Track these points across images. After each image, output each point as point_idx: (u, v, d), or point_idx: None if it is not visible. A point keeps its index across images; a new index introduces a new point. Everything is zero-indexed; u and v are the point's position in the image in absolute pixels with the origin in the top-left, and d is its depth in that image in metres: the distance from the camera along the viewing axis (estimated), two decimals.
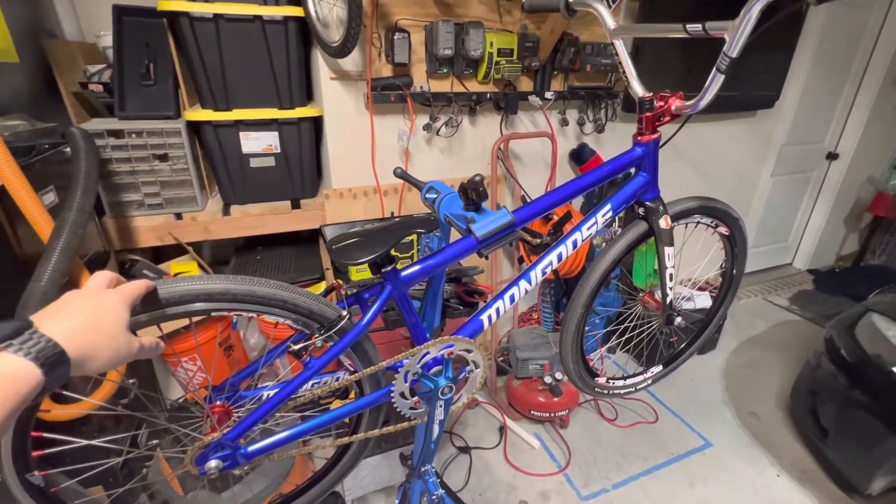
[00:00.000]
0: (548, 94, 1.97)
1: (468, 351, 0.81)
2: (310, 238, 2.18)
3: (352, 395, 1.14)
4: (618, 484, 1.90)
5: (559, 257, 0.84)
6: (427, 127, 1.89)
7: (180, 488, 1.34)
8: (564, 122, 2.13)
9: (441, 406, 0.82)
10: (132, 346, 0.49)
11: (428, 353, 0.77)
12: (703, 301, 2.49)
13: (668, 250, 0.92)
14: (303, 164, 1.88)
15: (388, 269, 0.70)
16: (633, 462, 2.00)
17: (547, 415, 2.08)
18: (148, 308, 0.59)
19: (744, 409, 2.30)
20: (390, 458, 1.70)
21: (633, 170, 0.90)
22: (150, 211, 1.72)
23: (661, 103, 0.79)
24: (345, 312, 0.68)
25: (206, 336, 1.64)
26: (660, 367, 1.19)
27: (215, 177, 1.86)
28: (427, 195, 0.94)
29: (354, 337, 0.69)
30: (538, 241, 1.92)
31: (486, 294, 1.24)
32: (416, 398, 0.81)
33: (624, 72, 0.85)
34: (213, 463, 0.66)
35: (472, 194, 0.71)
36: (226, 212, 1.83)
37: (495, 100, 1.94)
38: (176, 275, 1.75)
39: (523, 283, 0.84)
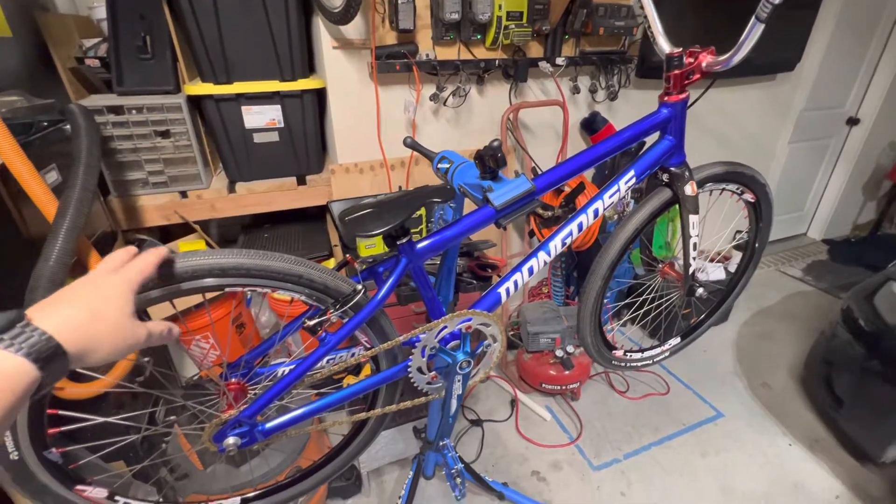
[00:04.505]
0: (559, 60, 1.89)
1: (486, 325, 0.79)
2: (316, 215, 2.16)
3: (366, 370, 1.13)
4: (629, 454, 1.92)
5: (579, 227, 0.81)
6: (434, 97, 1.83)
7: (199, 462, 1.36)
8: (576, 90, 2.05)
9: (459, 381, 0.81)
10: (138, 335, 0.46)
11: (445, 327, 0.75)
12: (717, 273, 2.46)
13: (692, 218, 0.88)
14: (307, 139, 1.84)
15: (404, 241, 0.67)
16: (645, 433, 2.01)
17: (558, 388, 2.09)
18: (164, 283, 0.56)
19: (756, 380, 2.29)
20: (404, 431, 1.71)
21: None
22: (155, 189, 1.70)
23: (691, 59, 0.74)
24: (360, 287, 0.66)
25: (220, 313, 1.64)
26: (678, 340, 1.17)
27: (219, 153, 1.82)
28: (439, 165, 0.91)
29: (370, 312, 0.67)
30: (549, 213, 1.88)
31: (500, 267, 1.22)
32: (433, 373, 0.79)
33: (649, 27, 0.79)
34: (230, 440, 0.65)
35: (490, 162, 0.67)
36: (231, 189, 1.80)
37: (504, 67, 1.86)
38: None
39: (542, 255, 0.81)
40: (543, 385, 2.09)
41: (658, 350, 1.15)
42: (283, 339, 0.71)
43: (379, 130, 1.85)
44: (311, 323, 0.64)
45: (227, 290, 0.59)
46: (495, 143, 0.66)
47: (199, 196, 1.76)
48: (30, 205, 1.10)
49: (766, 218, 1.04)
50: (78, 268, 1.24)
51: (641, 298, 1.14)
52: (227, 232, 2.24)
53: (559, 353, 2.03)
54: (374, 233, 0.61)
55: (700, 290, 0.97)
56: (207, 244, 1.69)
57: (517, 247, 2.35)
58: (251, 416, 0.66)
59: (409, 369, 0.76)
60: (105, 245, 1.49)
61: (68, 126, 1.34)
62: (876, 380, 1.68)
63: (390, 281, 0.67)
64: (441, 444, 1.02)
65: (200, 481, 1.35)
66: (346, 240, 1.68)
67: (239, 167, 1.80)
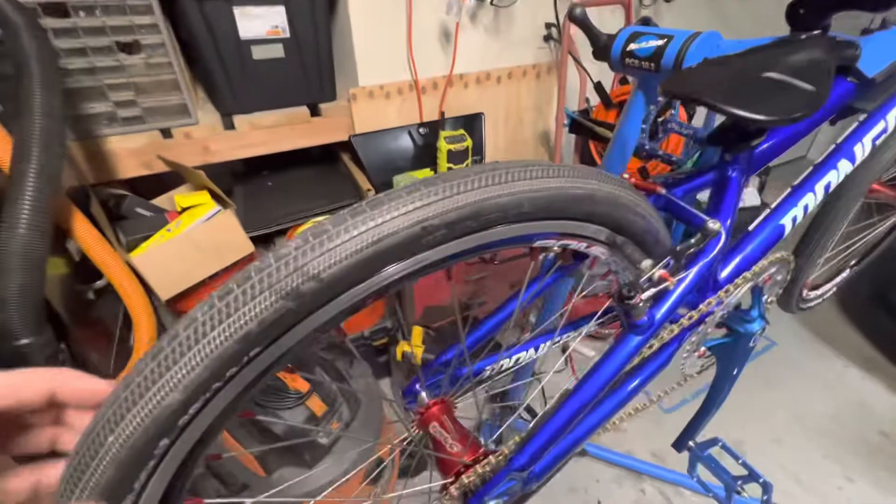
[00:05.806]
0: None
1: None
2: (321, 157, 1.77)
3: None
4: (698, 392, 1.83)
5: None
6: None
7: (261, 468, 1.09)
8: None
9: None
10: None
11: (750, 283, 0.48)
12: (752, 199, 2.36)
13: None
14: (319, 55, 1.43)
15: (754, 143, 0.37)
16: (708, 370, 1.92)
17: (613, 332, 1.94)
18: None
19: None
20: None
21: None
22: (127, 127, 1.26)
23: None
24: (714, 224, 0.37)
25: None
26: (846, 272, 0.99)
27: (204, 78, 1.40)
28: (634, 45, 0.60)
29: (710, 266, 0.39)
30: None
31: None
32: (701, 349, 0.55)
33: None
34: None
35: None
36: (227, 124, 1.39)
37: None
38: (187, 208, 1.32)
39: (843, 164, 0.54)
40: (597, 329, 1.93)
41: (829, 286, 0.97)
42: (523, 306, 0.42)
43: (410, 41, 1.47)
44: (647, 294, 0.34)
45: (537, 244, 0.28)
46: None
47: (188, 134, 1.34)
48: None
49: None
50: (57, 235, 0.85)
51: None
52: (214, 182, 1.81)
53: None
54: (794, 116, 0.32)
55: None
56: (213, 195, 1.29)
57: None
58: (528, 466, 0.38)
59: (688, 350, 0.50)
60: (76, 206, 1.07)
61: None
62: None
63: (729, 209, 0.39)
64: (696, 444, 0.74)
65: (266, 489, 1.08)
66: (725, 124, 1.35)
67: (235, 95, 1.38)
